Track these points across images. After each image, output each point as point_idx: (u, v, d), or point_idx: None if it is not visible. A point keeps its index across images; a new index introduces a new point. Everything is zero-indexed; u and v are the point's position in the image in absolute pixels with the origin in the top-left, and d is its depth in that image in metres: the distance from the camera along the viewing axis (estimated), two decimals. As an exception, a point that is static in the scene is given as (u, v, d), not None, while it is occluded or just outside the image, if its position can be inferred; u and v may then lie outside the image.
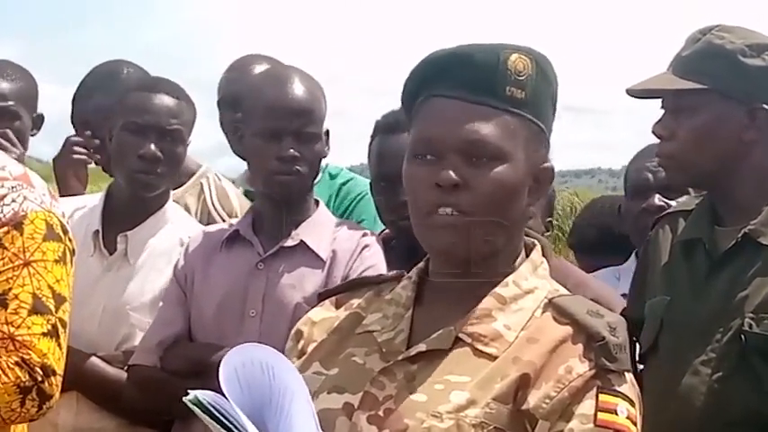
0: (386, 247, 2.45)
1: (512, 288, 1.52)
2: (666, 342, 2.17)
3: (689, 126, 2.16)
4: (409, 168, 1.51)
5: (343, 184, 3.10)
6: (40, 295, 1.91)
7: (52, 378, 1.90)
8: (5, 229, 1.92)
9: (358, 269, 2.36)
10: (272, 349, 1.42)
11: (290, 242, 2.42)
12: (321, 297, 1.68)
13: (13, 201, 1.94)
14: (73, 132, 3.06)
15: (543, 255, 1.60)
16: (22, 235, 1.92)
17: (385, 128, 2.54)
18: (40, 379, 1.88)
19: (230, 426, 1.35)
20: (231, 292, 2.41)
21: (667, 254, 2.25)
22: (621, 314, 2.12)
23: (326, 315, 1.63)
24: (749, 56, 2.14)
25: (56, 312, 1.92)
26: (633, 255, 2.95)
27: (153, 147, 2.54)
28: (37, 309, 1.90)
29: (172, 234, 2.61)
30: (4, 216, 1.93)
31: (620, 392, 1.44)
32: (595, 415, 1.42)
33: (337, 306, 1.64)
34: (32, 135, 3.01)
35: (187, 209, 2.89)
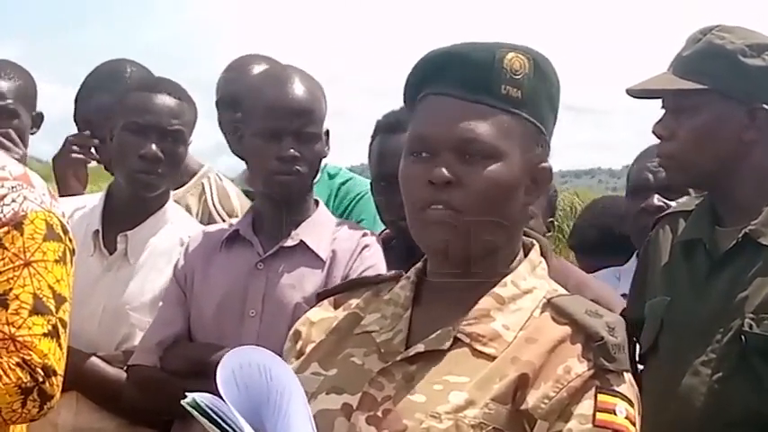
0: (386, 247, 2.45)
1: (510, 288, 1.52)
2: (666, 342, 2.17)
3: (689, 126, 2.16)
4: (405, 166, 1.52)
5: (342, 183, 3.10)
6: (41, 295, 1.91)
7: (53, 378, 1.90)
8: (6, 229, 1.92)
9: (358, 269, 2.36)
10: (269, 352, 1.42)
11: (289, 242, 2.42)
12: (320, 297, 1.68)
13: (14, 201, 1.94)
14: (76, 131, 3.06)
15: (542, 255, 1.60)
16: (22, 235, 1.93)
17: (386, 127, 2.54)
18: (41, 380, 1.88)
19: (228, 428, 1.35)
20: (231, 292, 2.41)
21: (667, 254, 2.25)
22: (621, 314, 2.13)
23: (325, 315, 1.63)
24: (749, 56, 2.14)
25: (56, 313, 1.93)
26: (634, 255, 2.95)
27: (154, 147, 2.54)
28: (37, 309, 1.90)
29: (172, 234, 2.61)
30: (5, 216, 1.93)
31: (618, 392, 1.44)
32: (594, 415, 1.42)
33: (336, 306, 1.64)
34: (32, 134, 3.01)
35: (188, 209, 2.89)
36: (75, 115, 3.06)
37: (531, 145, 1.51)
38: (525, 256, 1.57)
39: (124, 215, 2.61)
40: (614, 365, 1.44)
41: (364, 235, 2.45)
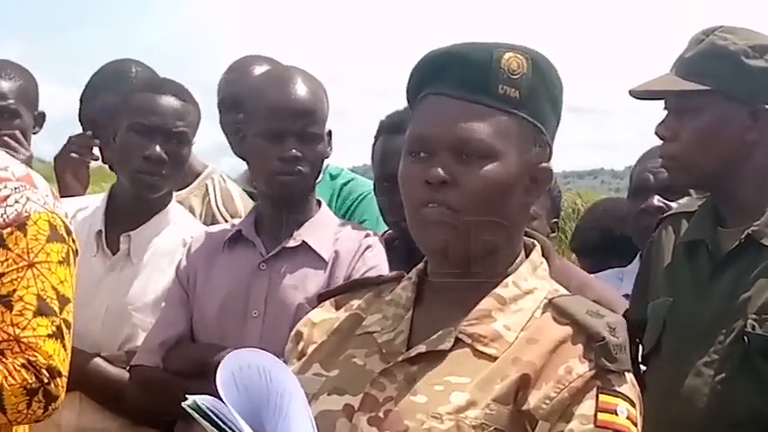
0: (389, 248, 2.45)
1: (511, 288, 1.52)
2: (669, 343, 2.17)
3: (692, 127, 2.16)
4: (404, 166, 1.52)
5: (345, 184, 3.10)
6: (45, 297, 1.91)
7: (58, 379, 1.90)
8: (9, 230, 1.92)
9: (360, 270, 2.36)
10: (269, 354, 1.43)
11: (292, 243, 2.42)
12: (321, 298, 1.68)
13: (17, 202, 1.94)
14: (80, 131, 3.06)
15: (544, 255, 1.60)
16: (25, 236, 1.93)
17: (389, 128, 2.53)
18: (46, 380, 1.88)
19: (228, 430, 1.36)
20: (233, 293, 2.41)
21: (670, 255, 2.25)
22: (624, 315, 2.13)
23: (326, 316, 1.63)
24: (752, 57, 2.14)
25: (60, 313, 1.93)
26: (637, 256, 2.96)
27: (158, 148, 2.54)
28: (41, 310, 1.90)
29: (175, 234, 2.61)
30: (8, 217, 1.93)
31: (620, 393, 1.44)
32: (595, 415, 1.42)
33: (337, 307, 1.64)
34: (34, 133, 3.02)
35: (192, 210, 2.89)
36: (79, 115, 3.07)
37: (529, 145, 1.51)
38: (527, 256, 1.57)
39: (127, 215, 2.61)
40: (615, 366, 1.44)
41: (367, 236, 2.45)
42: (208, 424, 1.36)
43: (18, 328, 1.88)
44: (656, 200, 2.84)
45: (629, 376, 1.47)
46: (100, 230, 2.60)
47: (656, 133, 2.23)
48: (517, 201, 1.51)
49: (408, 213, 1.52)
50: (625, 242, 3.05)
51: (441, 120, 1.49)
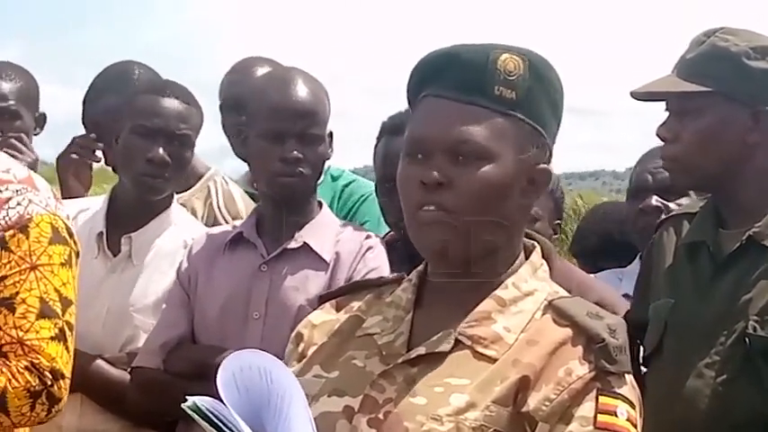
0: (390, 249, 2.45)
1: (511, 290, 1.52)
2: (670, 344, 2.17)
3: (693, 128, 2.17)
4: (402, 168, 1.53)
5: (346, 185, 3.10)
6: (47, 299, 1.92)
7: (61, 382, 1.90)
8: (11, 232, 1.92)
9: (361, 271, 2.37)
10: (270, 355, 1.43)
11: (293, 244, 2.42)
12: (322, 300, 1.68)
13: (19, 204, 1.94)
14: (83, 133, 3.07)
15: (544, 257, 1.60)
16: (28, 238, 1.93)
17: (391, 129, 2.54)
18: (49, 383, 1.89)
19: None
20: (234, 295, 2.41)
21: (671, 256, 2.25)
22: (625, 316, 2.12)
23: (327, 318, 1.63)
24: (754, 58, 2.14)
25: (63, 316, 1.93)
26: (638, 257, 2.96)
27: (161, 151, 2.54)
28: (44, 313, 1.91)
29: (176, 236, 2.61)
30: (10, 219, 1.93)
31: (619, 394, 1.44)
32: (595, 417, 1.42)
33: (338, 309, 1.64)
34: (36, 134, 3.03)
35: (194, 212, 2.90)
36: (82, 117, 3.07)
37: (526, 146, 1.51)
38: (527, 258, 1.57)
39: (128, 217, 2.61)
40: (615, 367, 1.44)
41: (368, 237, 2.46)
42: (208, 425, 1.36)
43: (21, 330, 1.88)
44: (655, 200, 2.84)
45: (629, 378, 1.47)
46: (101, 232, 2.60)
47: (658, 134, 2.23)
48: (515, 202, 1.51)
49: (405, 215, 1.52)
50: (625, 246, 3.05)
51: (437, 121, 1.49)
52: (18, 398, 1.87)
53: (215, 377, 1.38)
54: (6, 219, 1.93)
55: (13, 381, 1.86)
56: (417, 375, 1.47)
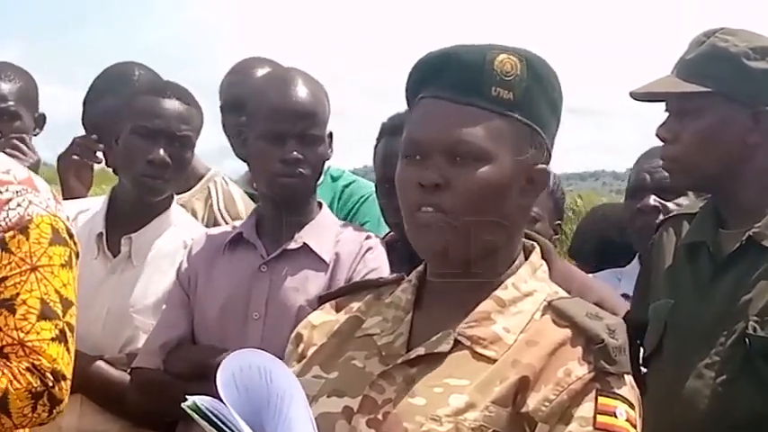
0: (390, 250, 2.46)
1: (511, 291, 1.52)
2: (670, 345, 2.17)
3: (693, 129, 2.17)
4: (400, 169, 1.53)
5: (346, 186, 3.10)
6: (48, 300, 1.91)
7: (62, 383, 1.90)
8: (11, 233, 1.92)
9: (361, 272, 2.37)
10: (270, 355, 1.43)
11: (293, 245, 2.42)
12: (321, 300, 1.68)
13: (19, 205, 1.94)
14: (83, 134, 3.07)
15: (544, 257, 1.60)
16: (28, 239, 1.93)
17: (391, 130, 2.54)
18: (50, 384, 1.89)
19: (228, 431, 1.36)
20: (234, 295, 2.41)
21: (671, 257, 2.25)
22: (625, 317, 2.12)
23: (326, 318, 1.63)
24: (753, 59, 2.14)
25: (63, 317, 1.93)
26: (636, 258, 2.96)
27: (162, 152, 2.54)
28: (45, 314, 1.91)
29: (175, 236, 2.61)
30: (10, 220, 1.93)
31: (619, 395, 1.44)
32: (594, 418, 1.42)
33: (337, 309, 1.64)
34: (35, 135, 3.03)
35: (194, 214, 2.90)
36: (83, 118, 3.07)
37: (524, 147, 1.51)
38: (526, 258, 1.57)
39: (128, 218, 2.61)
40: (615, 368, 1.44)
41: (367, 238, 2.46)
42: (207, 425, 1.36)
43: (22, 332, 1.88)
44: (653, 200, 2.84)
45: (629, 378, 1.47)
46: (101, 233, 2.60)
47: (657, 135, 2.23)
48: (513, 202, 1.51)
49: (404, 216, 1.52)
50: (624, 248, 3.04)
51: (434, 123, 1.49)
52: (20, 399, 1.87)
53: (215, 377, 1.38)
54: (6, 220, 1.93)
55: (15, 382, 1.86)
56: (417, 376, 1.47)
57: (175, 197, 2.71)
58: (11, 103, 2.94)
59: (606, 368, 1.44)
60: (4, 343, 1.88)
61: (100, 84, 3.07)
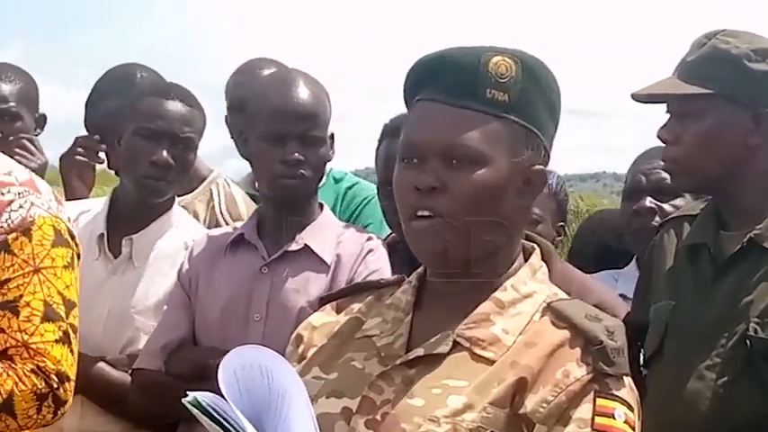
0: (391, 251, 2.45)
1: (510, 292, 1.52)
2: (671, 346, 2.17)
3: (694, 131, 2.17)
4: (397, 172, 1.53)
5: (349, 188, 3.10)
6: (51, 302, 1.92)
7: (66, 384, 1.91)
8: (14, 235, 1.92)
9: (362, 273, 2.37)
10: (272, 352, 1.43)
11: (294, 246, 2.42)
12: (322, 302, 1.69)
13: (21, 207, 1.95)
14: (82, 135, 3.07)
15: (544, 259, 1.60)
16: (30, 241, 1.93)
17: (392, 131, 2.54)
18: (55, 386, 1.89)
19: (229, 427, 1.35)
20: (235, 296, 2.41)
21: (672, 258, 2.25)
22: (626, 318, 2.12)
23: (327, 320, 1.63)
24: (754, 60, 2.14)
25: (66, 318, 1.93)
26: (634, 260, 2.96)
27: (165, 153, 2.55)
28: (48, 316, 1.91)
29: (177, 237, 2.62)
30: (12, 222, 1.93)
31: (617, 397, 1.44)
32: (593, 419, 1.42)
33: (338, 311, 1.64)
34: (36, 135, 3.03)
35: (196, 215, 2.90)
36: (85, 120, 3.08)
37: (520, 148, 1.51)
38: (526, 260, 1.57)
39: (129, 219, 2.61)
40: (613, 369, 1.44)
41: (369, 239, 2.46)
42: (208, 420, 1.36)
43: (26, 334, 1.89)
44: (648, 201, 2.84)
45: (628, 380, 1.47)
46: (102, 234, 2.60)
47: (659, 136, 2.23)
48: (510, 203, 1.51)
49: (402, 220, 1.52)
50: (623, 254, 3.04)
51: (430, 126, 1.50)
52: (25, 401, 1.87)
53: (216, 378, 1.38)
54: (9, 222, 1.93)
55: (20, 384, 1.87)
56: (415, 377, 1.48)
57: (177, 199, 2.71)
58: (12, 103, 2.95)
59: (605, 370, 1.44)
60: (9, 345, 1.88)
61: (102, 85, 3.07)
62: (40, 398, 1.88)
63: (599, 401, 1.43)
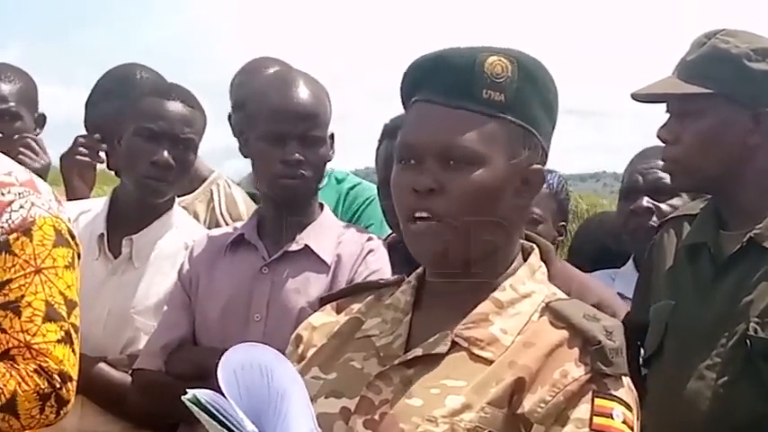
0: (392, 251, 2.45)
1: (509, 292, 1.52)
2: (671, 346, 2.17)
3: (694, 130, 2.17)
4: (395, 173, 1.53)
5: (351, 188, 3.10)
6: (53, 302, 1.92)
7: (69, 384, 1.91)
8: (15, 235, 1.92)
9: (363, 274, 2.37)
10: (272, 350, 1.43)
11: (294, 246, 2.42)
12: (322, 302, 1.69)
13: (21, 207, 1.95)
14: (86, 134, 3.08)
15: (542, 259, 1.60)
16: (31, 241, 1.93)
17: (392, 132, 2.53)
18: (58, 386, 1.89)
19: (229, 424, 1.35)
20: (236, 297, 2.41)
21: (672, 258, 2.25)
22: (626, 318, 2.12)
23: (327, 320, 1.64)
24: (754, 60, 2.15)
25: (68, 318, 1.94)
26: (631, 259, 2.96)
27: (166, 154, 2.55)
28: (50, 316, 1.91)
29: (177, 238, 2.62)
30: (13, 222, 1.93)
31: (616, 397, 1.44)
32: (591, 419, 1.41)
33: (338, 311, 1.64)
34: (36, 135, 3.04)
35: (196, 216, 2.90)
36: (85, 120, 3.08)
37: (517, 148, 1.50)
38: (525, 259, 1.57)
39: (129, 219, 2.61)
40: (612, 369, 1.44)
41: (369, 239, 2.46)
42: (207, 417, 1.36)
43: (28, 334, 1.89)
44: (645, 201, 2.84)
45: (626, 380, 1.47)
46: (102, 234, 2.60)
47: (658, 136, 2.24)
48: (509, 204, 1.51)
49: (400, 222, 1.52)
50: (621, 257, 3.04)
51: (427, 127, 1.50)
52: (28, 401, 1.87)
53: (216, 378, 1.38)
54: (9, 222, 1.93)
55: (23, 384, 1.87)
56: (414, 377, 1.48)
57: (177, 199, 2.71)
58: (11, 103, 2.96)
59: (603, 370, 1.43)
60: (11, 345, 1.89)
61: (103, 85, 3.07)
62: (42, 398, 1.88)
63: (597, 401, 1.42)
